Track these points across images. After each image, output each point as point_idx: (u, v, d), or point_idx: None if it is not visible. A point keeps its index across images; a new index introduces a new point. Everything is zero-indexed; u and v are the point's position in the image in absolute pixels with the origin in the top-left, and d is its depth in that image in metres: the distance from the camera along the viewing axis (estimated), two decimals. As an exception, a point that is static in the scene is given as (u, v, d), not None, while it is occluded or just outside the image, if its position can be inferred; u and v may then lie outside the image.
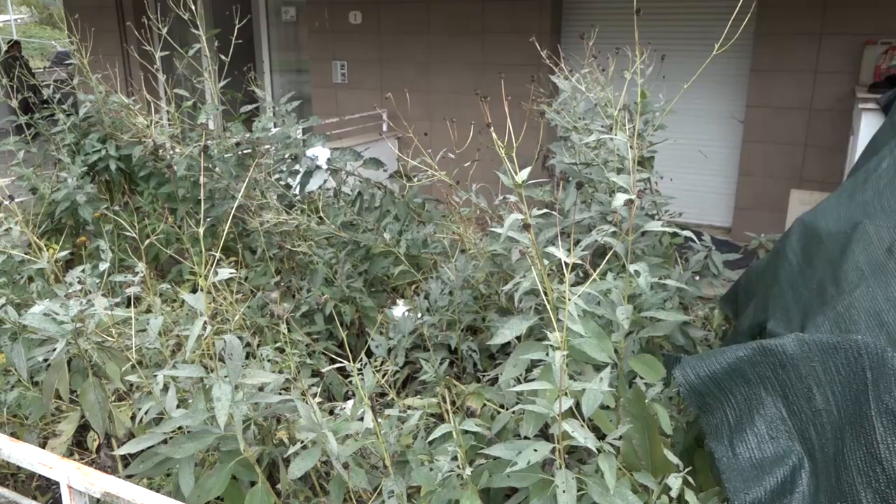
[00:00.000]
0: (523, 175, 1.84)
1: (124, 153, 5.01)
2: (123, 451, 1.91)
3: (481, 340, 3.65)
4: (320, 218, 4.50)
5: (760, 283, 3.10)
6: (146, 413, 2.04)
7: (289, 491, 2.03)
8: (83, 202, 4.65)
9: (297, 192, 5.05)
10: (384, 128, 8.58)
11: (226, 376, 1.78)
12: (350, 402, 3.49)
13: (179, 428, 1.94)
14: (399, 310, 4.62)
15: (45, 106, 5.05)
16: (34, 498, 3.23)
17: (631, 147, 2.16)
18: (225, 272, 1.88)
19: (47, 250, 4.66)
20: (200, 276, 4.48)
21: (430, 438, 1.85)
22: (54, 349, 2.38)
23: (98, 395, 2.26)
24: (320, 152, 5.04)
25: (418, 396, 3.02)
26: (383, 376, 3.57)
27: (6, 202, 4.74)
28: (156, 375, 2.11)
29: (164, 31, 4.77)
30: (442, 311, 3.70)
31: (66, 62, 5.14)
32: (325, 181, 5.23)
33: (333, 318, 4.40)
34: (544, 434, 2.16)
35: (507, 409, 2.69)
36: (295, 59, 9.85)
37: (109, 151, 4.90)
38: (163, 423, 1.91)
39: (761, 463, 1.66)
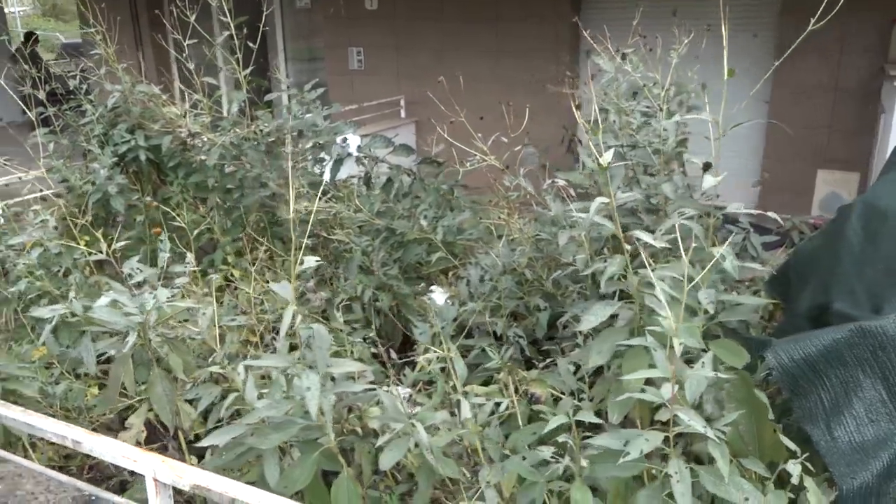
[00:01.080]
0: (608, 157, 1.80)
1: (153, 143, 4.97)
2: (207, 442, 1.88)
3: (525, 326, 3.62)
4: (355, 205, 4.47)
5: (816, 264, 3.07)
6: (227, 405, 2.00)
7: (369, 482, 2.01)
8: (115, 193, 4.62)
9: (327, 179, 5.02)
10: (402, 114, 8.53)
11: (312, 366, 1.75)
12: (400, 390, 3.47)
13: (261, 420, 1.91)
14: (437, 296, 4.60)
15: (72, 97, 5.00)
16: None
17: (715, 122, 2.12)
18: (311, 260, 1.85)
19: (81, 242, 4.63)
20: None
21: (546, 429, 1.82)
22: (116, 342, 2.35)
23: (165, 387, 2.23)
24: (351, 139, 5.00)
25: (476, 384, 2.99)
26: (429, 363, 3.55)
27: (48, 195, 4.72)
28: (236, 366, 2.08)
29: (193, 18, 4.72)
30: (486, 298, 3.67)
31: (92, 52, 5.08)
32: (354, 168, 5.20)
33: (370, 305, 4.39)
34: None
35: (567, 396, 2.68)
36: (308, 46, 9.77)
37: (139, 142, 4.86)
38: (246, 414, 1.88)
39: (863, 446, 1.64)
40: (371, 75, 8.77)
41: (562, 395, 2.68)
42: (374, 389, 1.93)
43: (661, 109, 3.29)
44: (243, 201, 4.77)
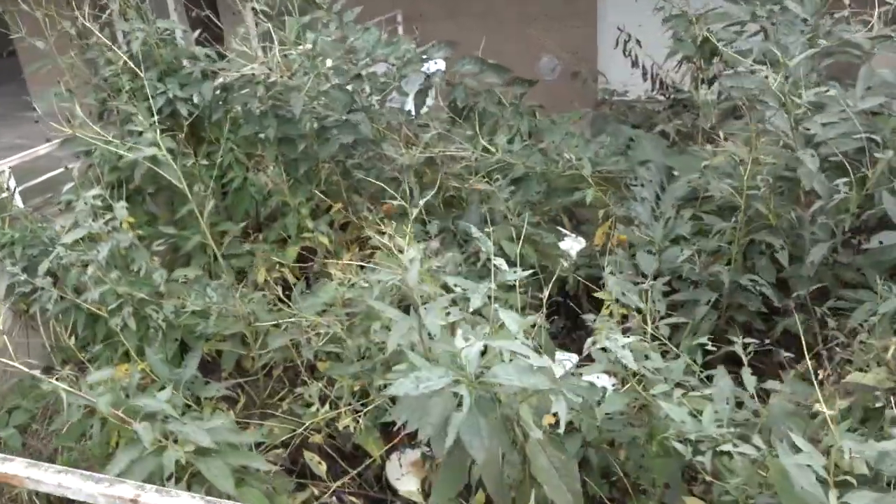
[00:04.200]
0: None
1: (189, 93, 4.01)
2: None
3: (759, 272, 3.00)
4: (484, 145, 3.70)
5: None
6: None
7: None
8: (165, 160, 3.69)
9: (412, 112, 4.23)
10: (400, 31, 7.60)
11: None
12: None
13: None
14: (569, 243, 3.95)
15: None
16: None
17: None
18: None
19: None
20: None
21: None
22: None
23: (554, 457, 1.50)
24: (437, 66, 4.18)
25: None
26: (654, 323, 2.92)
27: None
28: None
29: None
30: (712, 239, 3.02)
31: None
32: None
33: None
34: None
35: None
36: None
37: (175, 92, 3.89)
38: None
39: None
40: (355, -12, 7.73)
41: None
42: None
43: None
44: (322, 152, 3.92)
